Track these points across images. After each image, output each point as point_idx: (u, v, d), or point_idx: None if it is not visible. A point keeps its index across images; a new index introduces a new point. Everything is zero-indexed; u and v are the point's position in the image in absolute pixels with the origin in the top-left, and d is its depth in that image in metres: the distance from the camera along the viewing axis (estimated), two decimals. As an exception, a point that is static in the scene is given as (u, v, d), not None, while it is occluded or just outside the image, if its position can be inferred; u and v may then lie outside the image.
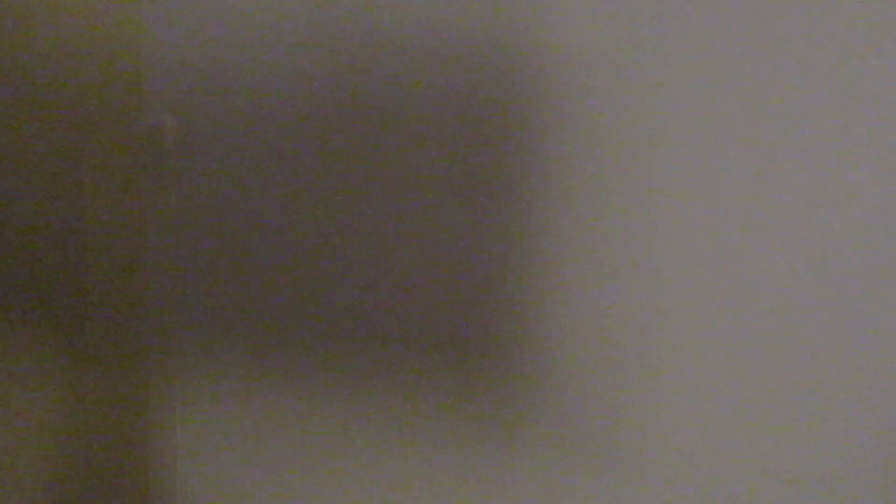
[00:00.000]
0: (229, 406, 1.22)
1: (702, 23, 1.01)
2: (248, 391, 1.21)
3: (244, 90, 1.17)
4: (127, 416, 1.26)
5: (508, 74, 1.07)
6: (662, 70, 1.02)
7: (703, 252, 1.03)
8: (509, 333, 1.10)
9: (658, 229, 1.04)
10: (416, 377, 1.14)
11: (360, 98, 1.13)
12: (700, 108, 1.01)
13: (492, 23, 1.08)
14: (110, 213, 1.24)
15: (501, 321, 1.10)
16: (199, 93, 1.20)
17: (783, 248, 1.00)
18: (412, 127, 1.11)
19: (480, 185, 1.09)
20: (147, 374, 1.25)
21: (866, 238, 0.98)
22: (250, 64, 1.17)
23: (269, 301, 1.18)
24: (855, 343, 0.99)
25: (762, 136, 1.00)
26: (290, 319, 1.18)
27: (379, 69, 1.12)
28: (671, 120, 1.02)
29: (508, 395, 1.10)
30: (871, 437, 1.00)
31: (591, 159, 1.05)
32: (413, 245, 1.12)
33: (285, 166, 1.16)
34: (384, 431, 1.16)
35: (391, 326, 1.14)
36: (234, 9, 1.17)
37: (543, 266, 1.08)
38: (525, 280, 1.09)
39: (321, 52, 1.14)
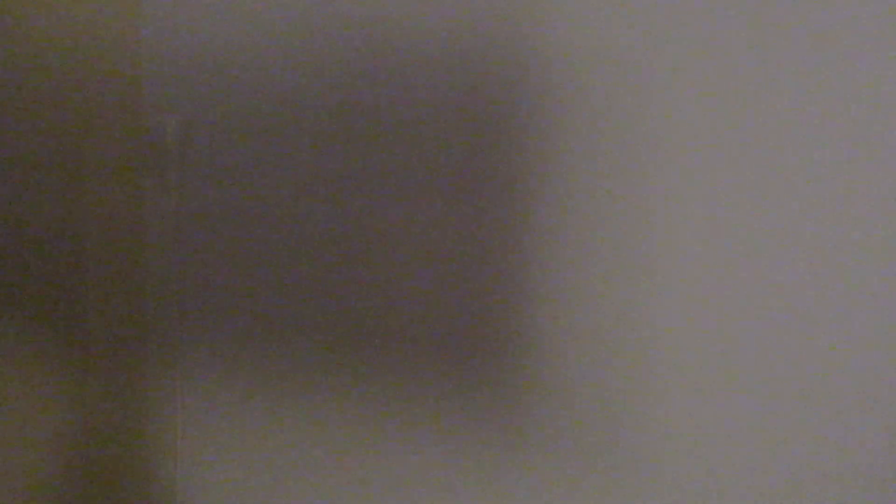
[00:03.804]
0: (230, 406, 1.22)
1: (702, 23, 1.01)
2: (248, 391, 1.21)
3: (244, 90, 1.17)
4: (127, 416, 1.26)
5: (509, 75, 1.07)
6: (662, 70, 1.02)
7: (703, 252, 1.03)
8: (510, 333, 1.10)
9: (658, 229, 1.04)
10: (417, 377, 1.14)
11: (360, 98, 1.13)
12: (700, 108, 1.01)
13: (492, 23, 1.07)
14: (110, 213, 1.24)
15: (502, 321, 1.10)
16: (199, 93, 1.20)
17: (782, 247, 1.00)
18: (412, 126, 1.11)
19: (480, 185, 1.09)
20: (147, 375, 1.25)
21: (866, 238, 0.98)
22: (250, 63, 1.17)
23: (270, 301, 1.18)
24: (855, 342, 0.99)
25: (762, 136, 1.00)
26: (290, 319, 1.18)
27: (379, 69, 1.12)
28: (671, 120, 1.02)
29: (509, 395, 1.10)
30: (871, 436, 1.00)
31: (591, 159, 1.05)
32: (413, 245, 1.12)
33: (285, 166, 1.16)
34: (384, 431, 1.16)
35: (391, 326, 1.14)
36: (234, 9, 1.17)
37: (543, 266, 1.08)
38: (525, 280, 1.09)
39: (322, 51, 1.14)
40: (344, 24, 1.13)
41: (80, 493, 1.28)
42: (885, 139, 0.97)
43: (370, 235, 1.14)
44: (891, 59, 0.96)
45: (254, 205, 1.18)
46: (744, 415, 1.03)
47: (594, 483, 1.08)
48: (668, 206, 1.03)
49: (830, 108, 0.98)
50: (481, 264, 1.10)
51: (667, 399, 1.05)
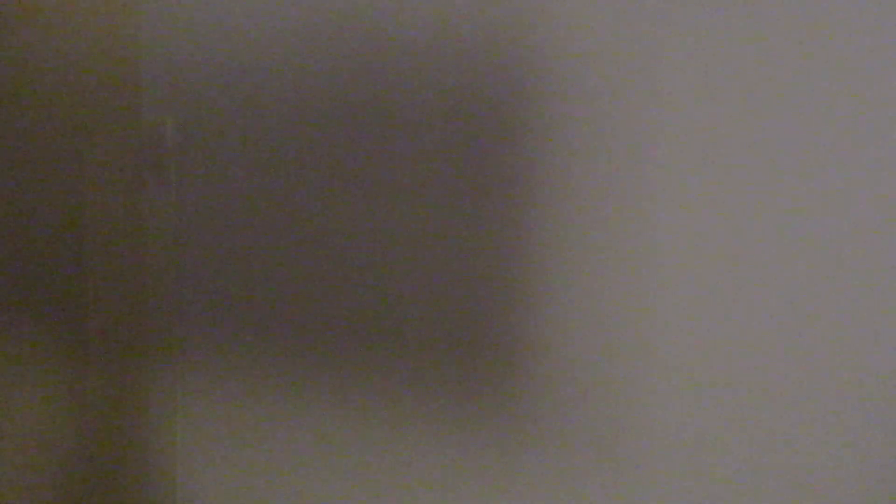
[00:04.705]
0: (229, 406, 1.22)
1: (702, 24, 1.01)
2: (247, 391, 1.21)
3: (243, 90, 1.18)
4: (127, 416, 1.26)
5: (509, 75, 1.07)
6: (662, 71, 1.02)
7: (703, 252, 1.02)
8: (510, 334, 1.10)
9: (658, 229, 1.04)
10: (416, 377, 1.14)
11: (359, 98, 1.13)
12: (700, 108, 1.01)
13: (493, 24, 1.07)
14: (110, 213, 1.24)
15: (502, 321, 1.10)
16: (198, 93, 1.20)
17: (782, 247, 1.00)
18: (412, 127, 1.11)
19: (481, 185, 1.09)
20: (147, 374, 1.25)
21: (865, 238, 0.98)
22: (249, 64, 1.17)
23: (269, 301, 1.18)
24: (854, 342, 0.99)
25: (761, 136, 1.00)
26: (289, 319, 1.18)
27: (379, 69, 1.12)
28: (671, 120, 1.02)
29: (509, 395, 1.10)
30: (872, 436, 0.99)
31: (591, 159, 1.05)
32: (413, 245, 1.12)
33: (285, 166, 1.17)
34: (384, 431, 1.16)
35: (391, 327, 1.14)
36: (234, 9, 1.17)
37: (544, 266, 1.08)
38: (525, 280, 1.09)
39: (321, 51, 1.14)
40: (343, 25, 1.13)
41: (79, 492, 1.28)
42: (886, 139, 0.96)
43: (369, 235, 1.14)
44: (891, 58, 0.96)
45: (253, 204, 1.18)
46: (744, 415, 1.03)
47: (594, 483, 1.08)
48: (668, 206, 1.03)
49: (831, 108, 0.98)
50: (481, 264, 1.10)
51: (667, 399, 1.05)
